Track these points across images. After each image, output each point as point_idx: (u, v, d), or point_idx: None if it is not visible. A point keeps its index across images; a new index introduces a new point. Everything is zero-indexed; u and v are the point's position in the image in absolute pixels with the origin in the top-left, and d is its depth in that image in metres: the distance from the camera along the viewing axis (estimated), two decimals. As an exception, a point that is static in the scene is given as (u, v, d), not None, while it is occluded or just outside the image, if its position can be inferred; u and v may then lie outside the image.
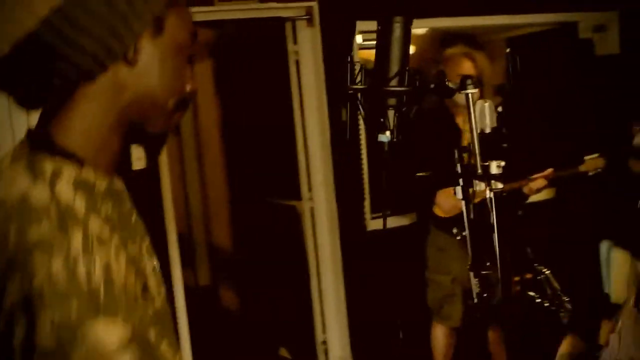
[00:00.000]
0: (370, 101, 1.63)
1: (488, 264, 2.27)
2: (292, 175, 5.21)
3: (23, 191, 1.13)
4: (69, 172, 1.19)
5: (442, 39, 5.58)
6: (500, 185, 1.84)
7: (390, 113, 1.62)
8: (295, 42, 5.00)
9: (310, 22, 4.91)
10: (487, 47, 6.55)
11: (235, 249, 6.95)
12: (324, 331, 5.17)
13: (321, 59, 4.91)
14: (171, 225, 4.61)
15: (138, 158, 4.41)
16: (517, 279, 4.59)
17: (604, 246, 2.42)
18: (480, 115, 2.14)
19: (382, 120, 1.62)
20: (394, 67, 1.60)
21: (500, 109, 2.07)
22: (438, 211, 4.44)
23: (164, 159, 4.55)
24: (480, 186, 1.86)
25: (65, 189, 1.15)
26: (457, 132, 4.34)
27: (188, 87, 1.34)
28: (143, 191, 4.43)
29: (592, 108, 5.73)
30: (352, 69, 1.82)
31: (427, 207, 4.49)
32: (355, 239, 5.03)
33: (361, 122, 4.98)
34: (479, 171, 1.82)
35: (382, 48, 1.63)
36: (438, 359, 4.72)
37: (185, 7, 1.32)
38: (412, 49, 5.90)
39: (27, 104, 1.27)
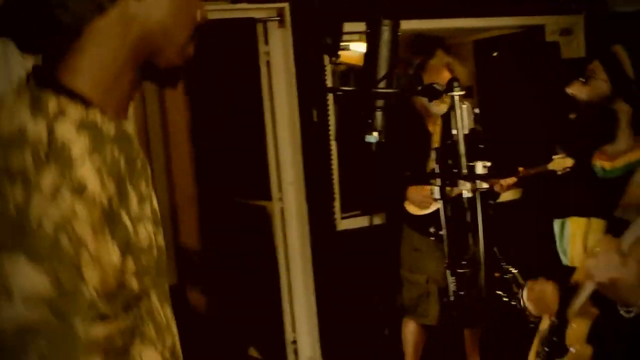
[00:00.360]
0: (358, 102, 1.66)
1: (464, 262, 2.31)
2: (262, 176, 5.22)
3: (22, 125, 1.10)
4: (73, 113, 1.15)
5: (411, 42, 5.62)
6: (485, 185, 1.88)
7: (378, 114, 1.66)
8: (266, 43, 5.01)
9: (281, 23, 4.93)
10: (454, 50, 6.64)
11: (203, 249, 6.94)
12: (293, 331, 5.19)
13: (292, 60, 4.92)
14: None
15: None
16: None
17: (557, 223, 2.51)
18: (462, 119, 2.19)
19: (369, 121, 1.65)
20: (382, 70, 1.64)
21: (477, 110, 2.11)
22: (411, 208, 4.50)
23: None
24: (465, 186, 1.90)
25: (66, 128, 1.12)
26: (428, 135, 4.44)
27: (199, 16, 1.31)
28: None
29: (559, 110, 5.81)
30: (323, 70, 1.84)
31: (400, 206, 4.55)
32: (325, 239, 5.06)
33: (332, 122, 5.04)
34: (464, 171, 1.86)
35: (371, 51, 1.66)
36: (409, 355, 4.78)
37: None
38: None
39: (32, 48, 1.24)
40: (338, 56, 1.75)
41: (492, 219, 4.39)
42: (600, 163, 2.47)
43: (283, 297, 5.19)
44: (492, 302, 2.58)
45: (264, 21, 4.96)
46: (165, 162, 7.12)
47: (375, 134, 1.65)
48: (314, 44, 4.88)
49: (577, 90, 2.36)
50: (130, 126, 1.31)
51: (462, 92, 1.86)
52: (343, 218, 5.20)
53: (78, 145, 1.11)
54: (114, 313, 1.13)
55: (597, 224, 2.39)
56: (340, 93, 1.89)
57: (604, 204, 2.35)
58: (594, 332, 2.28)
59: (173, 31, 1.26)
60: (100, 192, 1.09)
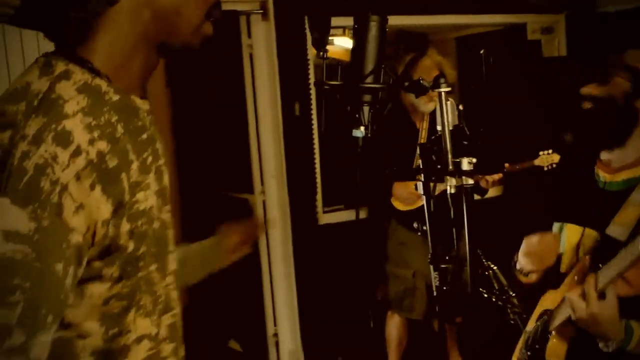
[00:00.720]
0: (345, 97, 1.67)
1: (447, 257, 2.32)
2: (244, 168, 5.22)
3: (27, 82, 1.19)
4: (78, 76, 1.22)
5: (401, 38, 5.64)
6: (471, 182, 1.90)
7: (365, 109, 1.67)
8: (249, 35, 5.00)
9: (264, 16, 4.93)
10: (436, 46, 6.67)
11: (184, 241, 6.91)
12: (275, 324, 5.20)
13: (275, 53, 4.92)
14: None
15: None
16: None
17: (556, 226, 2.52)
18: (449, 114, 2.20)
19: (357, 116, 1.66)
20: (370, 65, 1.65)
21: (461, 107, 2.12)
22: (397, 203, 4.52)
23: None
24: (450, 182, 1.91)
25: (66, 86, 1.19)
26: (415, 132, 4.46)
27: None
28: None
29: (541, 107, 5.85)
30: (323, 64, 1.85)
31: (385, 201, 4.57)
32: (307, 233, 5.07)
33: (314, 117, 5.04)
34: (450, 167, 1.87)
35: (358, 46, 1.67)
36: (392, 350, 4.80)
37: None
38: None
39: (54, 35, 1.29)
40: (326, 50, 1.76)
41: (475, 215, 4.44)
42: (602, 173, 2.43)
43: (264, 290, 5.20)
44: (474, 298, 2.60)
45: (247, 14, 4.96)
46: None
47: (362, 128, 1.66)
48: (297, 37, 4.90)
49: (593, 89, 2.33)
50: (146, 104, 1.36)
51: (449, 89, 1.87)
52: (325, 212, 5.21)
53: (72, 102, 1.17)
54: (111, 275, 1.21)
55: (589, 236, 2.38)
56: (327, 87, 1.88)
57: (600, 217, 2.32)
58: (572, 352, 2.29)
59: (186, 12, 1.30)
60: (87, 146, 1.14)
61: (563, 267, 2.49)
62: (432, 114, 4.26)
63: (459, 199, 2.08)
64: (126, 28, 1.27)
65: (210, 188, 6.17)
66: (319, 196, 5.17)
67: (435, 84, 1.81)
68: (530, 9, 5.78)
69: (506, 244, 5.13)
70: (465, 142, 2.22)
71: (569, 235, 2.46)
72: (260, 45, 4.97)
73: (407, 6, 5.31)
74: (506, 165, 4.37)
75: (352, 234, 5.08)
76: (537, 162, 4.26)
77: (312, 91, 5.04)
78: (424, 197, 2.28)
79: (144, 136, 1.30)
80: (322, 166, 5.17)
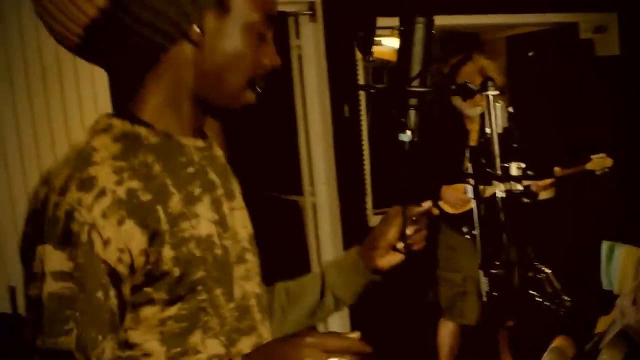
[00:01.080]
0: (391, 100, 1.64)
1: (497, 262, 2.28)
2: (294, 170, 5.21)
3: (74, 152, 1.31)
4: (118, 128, 1.34)
5: (444, 38, 5.59)
6: (519, 187, 1.86)
7: (412, 113, 1.64)
8: (297, 37, 5.00)
9: (313, 17, 4.91)
10: (487, 45, 6.60)
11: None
12: (325, 327, 5.19)
13: (324, 55, 4.92)
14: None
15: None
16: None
17: (606, 245, 2.44)
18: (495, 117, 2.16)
19: (403, 119, 1.64)
20: (416, 68, 1.62)
21: (511, 109, 2.09)
22: (446, 207, 4.46)
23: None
24: (499, 186, 1.87)
25: (102, 138, 1.32)
26: (465, 133, 4.38)
27: (266, 63, 1.41)
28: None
29: (594, 108, 5.76)
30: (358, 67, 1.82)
31: (434, 204, 4.52)
32: (357, 235, 5.04)
33: (363, 118, 5.02)
34: (498, 172, 1.84)
35: (404, 48, 1.64)
36: (444, 357, 4.74)
37: None
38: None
39: (112, 74, 1.43)
40: (371, 53, 1.74)
41: (527, 218, 4.37)
42: None
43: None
44: (525, 302, 2.55)
45: (296, 15, 4.95)
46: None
47: (408, 132, 1.64)
48: (345, 38, 4.87)
49: None
50: (198, 142, 1.44)
51: (496, 92, 1.84)
52: (376, 214, 5.18)
53: (103, 150, 1.29)
54: (162, 298, 1.31)
55: None
56: (373, 91, 1.86)
57: None
58: None
59: (227, 78, 1.38)
60: (114, 186, 1.24)
61: (619, 290, 2.42)
62: (483, 116, 4.20)
63: (509, 203, 2.04)
64: (170, 84, 1.36)
65: (260, 189, 6.19)
66: (368, 198, 5.14)
67: (483, 87, 1.78)
68: (582, 7, 5.69)
69: (560, 247, 5.07)
70: (515, 145, 2.18)
71: (625, 258, 2.39)
72: (309, 47, 4.96)
73: (456, 6, 5.26)
74: (557, 169, 4.28)
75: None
76: (589, 166, 4.16)
77: (362, 93, 5.02)
78: (473, 200, 2.24)
79: (190, 170, 1.39)
80: (372, 167, 5.14)
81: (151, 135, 1.35)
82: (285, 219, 5.70)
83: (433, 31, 1.68)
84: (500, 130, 2.10)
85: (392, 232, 1.80)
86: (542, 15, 5.73)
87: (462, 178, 2.37)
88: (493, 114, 1.81)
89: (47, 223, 1.23)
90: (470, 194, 2.25)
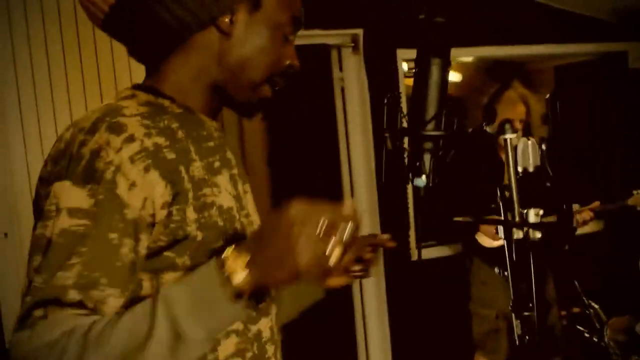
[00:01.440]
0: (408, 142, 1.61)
1: (530, 304, 2.22)
2: (337, 202, 5.16)
3: (103, 105, 1.35)
4: (142, 97, 1.39)
5: (488, 68, 5.53)
6: (538, 235, 1.79)
7: (427, 157, 1.60)
8: (340, 69, 4.99)
9: (355, 49, 4.90)
10: (534, 75, 6.51)
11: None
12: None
13: (366, 87, 4.89)
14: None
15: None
16: (563, 313, 4.51)
17: None
18: (524, 153, 2.11)
19: (417, 163, 1.60)
20: (431, 110, 1.58)
21: (544, 146, 2.03)
22: (482, 239, 4.37)
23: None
24: (517, 234, 1.81)
25: (129, 102, 1.35)
26: (500, 166, 4.27)
27: (287, 62, 1.46)
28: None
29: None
30: (394, 109, 1.78)
31: (471, 237, 4.43)
32: (399, 269, 4.98)
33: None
34: (517, 219, 1.78)
35: (419, 90, 1.61)
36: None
37: None
38: (458, 77, 5.90)
39: (136, 57, 1.49)
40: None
41: (568, 255, 4.27)
42: None
43: (357, 325, 5.14)
44: (569, 339, 2.47)
45: (339, 47, 4.94)
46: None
47: (423, 177, 1.60)
48: (388, 70, 4.85)
49: None
50: (214, 123, 1.50)
51: (513, 135, 1.79)
52: (417, 247, 5.10)
53: (131, 108, 1.32)
54: (184, 264, 1.30)
55: None
56: (386, 135, 1.82)
57: None
58: None
59: (249, 70, 1.43)
60: (142, 137, 1.26)
61: None
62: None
63: (541, 244, 1.98)
64: (194, 67, 1.42)
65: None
66: (411, 231, 5.08)
67: (500, 130, 1.73)
68: (632, 37, 5.57)
69: (607, 282, 4.93)
70: (548, 184, 2.12)
71: None
72: (352, 79, 4.95)
73: (503, 36, 5.21)
74: (596, 204, 4.15)
75: (446, 270, 4.98)
76: (630, 201, 4.04)
77: (405, 124, 4.96)
78: (504, 240, 2.19)
79: (210, 144, 1.43)
80: (415, 200, 5.08)
81: (174, 106, 1.40)
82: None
83: (449, 70, 1.63)
84: (531, 169, 2.05)
85: (350, 256, 1.80)
86: (590, 45, 5.62)
87: (493, 216, 2.31)
88: (513, 158, 1.75)
89: (69, 160, 1.23)
90: (502, 234, 2.19)
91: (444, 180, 1.84)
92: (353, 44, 4.90)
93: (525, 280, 2.18)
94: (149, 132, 1.28)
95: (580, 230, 4.28)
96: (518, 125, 3.93)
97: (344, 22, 4.85)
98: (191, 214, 1.29)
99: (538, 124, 5.12)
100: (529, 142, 2.06)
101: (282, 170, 6.67)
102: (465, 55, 5.63)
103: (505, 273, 2.26)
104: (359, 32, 4.86)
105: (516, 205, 1.78)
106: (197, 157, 1.36)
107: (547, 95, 5.49)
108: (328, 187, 5.44)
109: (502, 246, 4.04)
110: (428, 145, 1.59)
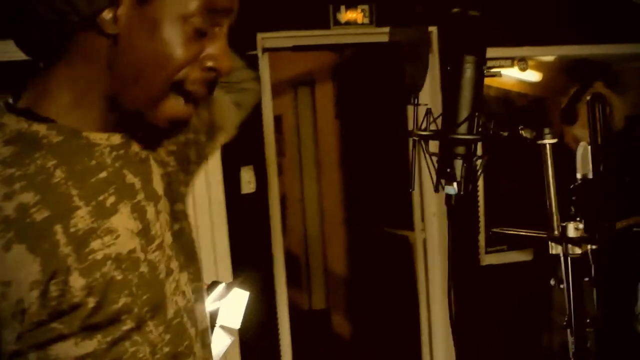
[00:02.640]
0: (439, 148, 1.49)
1: (588, 320, 2.08)
2: (406, 205, 5.08)
3: None
4: (12, 127, 1.11)
5: (569, 68, 5.33)
6: (578, 251, 1.65)
7: (458, 163, 1.48)
8: (414, 68, 4.86)
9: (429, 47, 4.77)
10: (620, 76, 6.24)
11: (349, 275, 6.87)
12: (431, 368, 5.01)
13: (439, 87, 4.75)
14: (277, 247, 4.53)
15: (248, 182, 4.39)
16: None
17: None
18: (583, 159, 1.97)
19: (448, 170, 1.48)
20: (464, 112, 1.46)
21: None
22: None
23: (273, 181, 4.49)
24: (556, 248, 1.68)
25: None
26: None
27: (206, 64, 1.16)
28: (254, 214, 4.42)
29: None
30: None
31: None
32: (468, 273, 4.85)
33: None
34: (556, 232, 1.64)
35: (451, 90, 1.49)
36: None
37: None
38: (538, 77, 5.71)
39: (23, 45, 1.18)
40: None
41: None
42: None
43: (422, 329, 5.04)
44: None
45: (412, 46, 4.81)
46: (317, 187, 7.13)
47: (455, 185, 1.48)
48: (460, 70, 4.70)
49: None
50: (115, 138, 1.22)
51: (554, 141, 1.65)
52: (488, 252, 4.96)
53: None
54: (75, 333, 1.09)
55: None
56: (416, 138, 1.70)
57: None
58: None
59: (142, 80, 1.14)
60: (1, 202, 1.03)
61: None
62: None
63: (597, 259, 1.84)
64: (79, 78, 1.15)
65: (374, 223, 6.08)
66: (481, 236, 4.93)
67: (538, 135, 1.59)
68: None
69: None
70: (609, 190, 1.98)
71: None
72: (425, 80, 4.80)
73: (586, 35, 5.02)
74: None
75: (517, 276, 4.82)
76: None
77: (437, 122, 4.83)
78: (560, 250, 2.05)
79: (102, 175, 1.17)
80: (486, 204, 4.93)
81: (53, 133, 1.13)
82: (397, 254, 5.58)
83: (484, 69, 1.51)
84: (591, 176, 1.91)
85: None
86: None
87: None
88: (550, 168, 1.62)
89: None
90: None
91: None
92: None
93: (583, 294, 2.04)
94: (11, 191, 1.05)
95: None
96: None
97: (417, 18, 4.73)
98: (76, 282, 1.08)
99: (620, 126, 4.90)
100: (581, 147, 1.92)
101: (354, 170, 6.60)
102: (545, 55, 5.44)
103: (561, 286, 2.12)
104: (433, 29, 4.72)
105: (555, 217, 1.64)
106: (81, 202, 1.12)
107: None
108: (398, 190, 5.35)
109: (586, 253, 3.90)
110: (460, 150, 1.47)
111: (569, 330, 2.08)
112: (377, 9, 4.55)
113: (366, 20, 4.53)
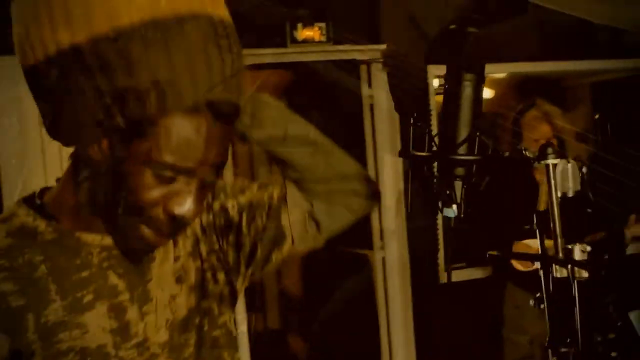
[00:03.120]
0: (437, 169, 1.45)
1: (568, 340, 2.07)
2: (364, 223, 5.05)
3: None
4: (20, 219, 1.27)
5: (520, 85, 5.38)
6: (585, 275, 1.62)
7: (458, 184, 1.44)
8: (369, 85, 4.86)
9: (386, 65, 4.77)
10: (569, 93, 6.32)
11: (305, 295, 6.80)
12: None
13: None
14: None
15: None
16: (599, 339, 4.31)
17: None
18: (562, 177, 1.95)
19: (447, 192, 1.44)
20: (463, 132, 1.42)
21: (584, 169, 1.87)
22: (516, 264, 4.18)
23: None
24: (561, 272, 1.65)
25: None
26: (535, 188, 4.06)
27: (170, 209, 1.22)
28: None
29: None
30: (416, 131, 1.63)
31: (504, 261, 4.24)
32: (427, 291, 4.84)
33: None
34: (560, 255, 1.61)
35: (450, 109, 1.44)
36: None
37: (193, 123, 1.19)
38: (490, 94, 5.75)
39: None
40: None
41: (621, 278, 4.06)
42: None
43: (382, 348, 5.01)
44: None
45: (368, 63, 4.81)
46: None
47: (454, 207, 1.44)
48: (419, 87, 4.72)
49: None
50: (105, 240, 1.31)
51: (557, 161, 1.62)
52: (446, 270, 4.95)
53: None
54: None
55: None
56: (414, 159, 1.66)
57: None
58: None
59: (115, 205, 1.22)
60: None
61: None
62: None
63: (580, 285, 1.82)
64: (82, 181, 1.27)
65: (330, 242, 6.03)
66: (440, 253, 4.92)
67: (542, 155, 1.56)
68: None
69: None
70: (589, 210, 1.96)
71: None
72: (382, 96, 4.81)
73: (536, 52, 5.07)
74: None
75: (475, 293, 4.81)
76: None
77: (435, 142, 4.83)
78: (540, 271, 2.03)
79: (84, 274, 1.27)
80: (444, 222, 4.93)
81: (49, 230, 1.26)
82: (355, 273, 5.54)
83: (483, 88, 1.47)
84: (571, 194, 1.89)
85: None
86: (628, 61, 5.43)
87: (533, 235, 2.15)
88: (553, 185, 1.59)
89: None
90: (539, 265, 2.04)
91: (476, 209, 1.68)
92: (383, 60, 4.76)
93: (563, 315, 2.02)
94: None
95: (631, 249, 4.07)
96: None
97: (374, 37, 4.74)
98: None
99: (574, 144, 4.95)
100: (569, 165, 1.90)
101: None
102: (497, 72, 5.47)
103: (542, 306, 2.09)
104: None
105: (560, 241, 1.60)
106: (57, 296, 1.23)
107: (597, 115, 5.32)
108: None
109: (537, 272, 3.90)
110: (460, 171, 1.43)
111: (550, 351, 2.05)
112: (334, 27, 4.53)
113: (323, 38, 4.50)
